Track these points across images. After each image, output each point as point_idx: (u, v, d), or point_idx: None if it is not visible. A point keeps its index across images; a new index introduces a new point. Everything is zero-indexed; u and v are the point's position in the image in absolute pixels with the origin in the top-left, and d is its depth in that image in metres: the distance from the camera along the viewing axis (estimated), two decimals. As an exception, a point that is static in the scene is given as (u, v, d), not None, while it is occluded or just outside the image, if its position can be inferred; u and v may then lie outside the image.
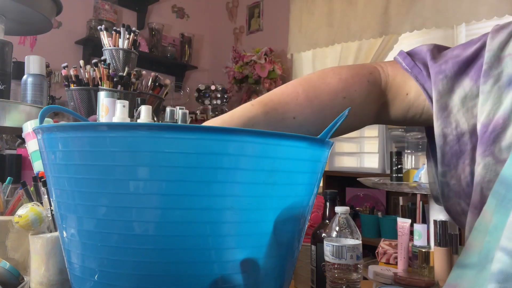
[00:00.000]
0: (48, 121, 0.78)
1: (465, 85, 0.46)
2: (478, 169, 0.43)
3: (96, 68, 1.14)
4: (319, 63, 2.84)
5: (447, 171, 0.48)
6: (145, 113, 0.88)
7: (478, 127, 0.44)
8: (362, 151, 2.37)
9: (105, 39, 1.19)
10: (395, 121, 0.56)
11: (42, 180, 0.63)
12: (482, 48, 0.46)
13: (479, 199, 0.43)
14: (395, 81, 0.54)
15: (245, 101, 2.85)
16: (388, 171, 1.95)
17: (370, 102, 0.53)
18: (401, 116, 0.54)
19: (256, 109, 0.49)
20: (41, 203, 0.61)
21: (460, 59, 0.47)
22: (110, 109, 0.90)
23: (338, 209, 0.63)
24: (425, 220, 0.97)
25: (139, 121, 0.89)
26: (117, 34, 1.19)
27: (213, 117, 2.83)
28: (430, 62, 0.50)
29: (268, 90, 2.88)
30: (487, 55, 0.44)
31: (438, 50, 0.51)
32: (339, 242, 0.60)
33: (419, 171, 0.95)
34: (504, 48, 0.43)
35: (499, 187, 0.36)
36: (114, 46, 1.19)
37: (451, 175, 0.48)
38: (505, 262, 0.31)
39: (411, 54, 0.53)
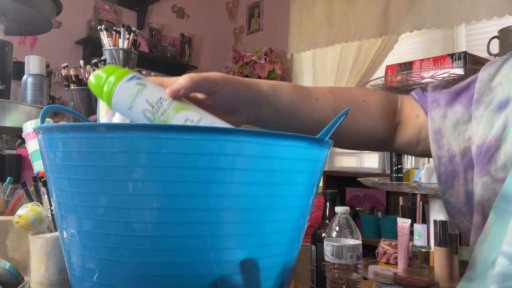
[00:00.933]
0: (48, 121, 0.78)
1: (458, 111, 0.50)
2: (477, 188, 0.45)
3: (96, 68, 1.14)
4: (319, 63, 2.84)
5: (445, 190, 0.52)
6: (145, 113, 0.88)
7: (474, 149, 0.46)
8: (362, 151, 2.37)
9: (105, 39, 1.19)
10: (411, 143, 0.59)
11: (42, 180, 0.63)
12: (473, 80, 0.51)
13: (481, 218, 0.45)
14: (408, 104, 0.60)
15: (245, 101, 2.85)
16: (388, 171, 1.95)
17: (386, 113, 0.57)
18: (415, 138, 0.58)
19: (285, 83, 0.54)
20: (41, 203, 0.61)
21: (452, 90, 0.53)
22: (110, 109, 0.90)
23: (338, 209, 0.63)
24: (425, 220, 0.97)
25: (139, 121, 0.89)
26: (117, 34, 1.19)
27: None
28: (428, 93, 0.56)
29: (268, 90, 2.87)
30: (478, 85, 0.48)
31: (442, 87, 0.57)
32: (339, 242, 0.60)
33: (419, 171, 0.95)
34: (493, 79, 0.47)
35: (500, 203, 0.38)
36: (114, 46, 1.19)
37: (449, 194, 0.51)
38: (503, 265, 0.32)
39: (422, 89, 0.59)
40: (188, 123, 0.41)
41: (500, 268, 0.33)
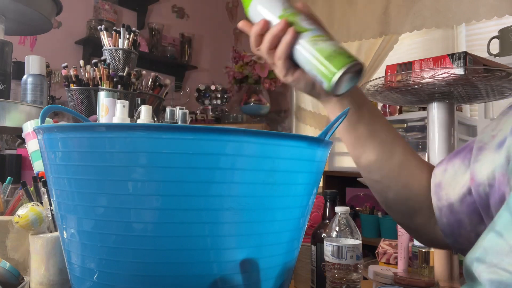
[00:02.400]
0: (48, 121, 0.78)
1: (456, 164, 0.53)
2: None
3: (96, 68, 1.14)
4: (319, 63, 2.84)
5: (454, 242, 0.53)
6: (145, 113, 0.88)
7: (487, 190, 0.47)
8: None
9: (105, 39, 1.19)
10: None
11: (42, 180, 0.63)
12: (474, 140, 0.53)
13: None
14: None
15: (245, 101, 2.84)
16: (388, 171, 1.95)
17: (413, 153, 0.60)
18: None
19: None
20: (41, 203, 0.61)
21: (455, 150, 0.55)
22: (110, 109, 0.90)
23: (338, 209, 0.63)
24: (425, 220, 0.96)
25: (139, 121, 0.89)
26: (117, 34, 1.19)
27: (213, 117, 2.84)
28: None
29: (268, 90, 2.88)
30: (480, 137, 0.51)
31: None
32: (339, 242, 0.60)
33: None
34: (495, 129, 0.49)
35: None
36: (114, 46, 1.19)
37: (460, 243, 0.53)
38: (503, 275, 0.32)
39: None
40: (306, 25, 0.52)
41: (497, 277, 0.33)
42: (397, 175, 0.57)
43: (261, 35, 0.55)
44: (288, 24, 0.51)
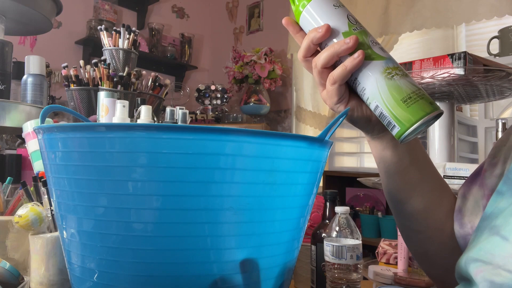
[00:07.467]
0: (48, 121, 0.78)
1: (474, 192, 0.51)
2: None
3: (96, 68, 1.14)
4: (319, 63, 2.83)
5: None
6: (145, 113, 0.88)
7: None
8: (362, 151, 2.37)
9: (105, 39, 1.19)
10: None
11: (42, 180, 0.63)
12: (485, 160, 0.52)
13: None
14: None
15: (245, 101, 2.84)
16: (388, 171, 1.95)
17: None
18: None
19: None
20: (41, 203, 0.61)
21: (471, 174, 0.54)
22: (110, 109, 0.90)
23: (338, 209, 0.63)
24: (425, 220, 0.96)
25: (139, 121, 0.89)
26: (117, 34, 1.19)
27: (213, 117, 2.84)
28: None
29: (268, 90, 2.88)
30: (491, 153, 0.50)
31: None
32: (339, 242, 0.60)
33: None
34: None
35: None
36: (114, 46, 1.19)
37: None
38: (506, 277, 0.32)
39: None
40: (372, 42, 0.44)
41: (498, 279, 0.33)
42: (443, 225, 0.53)
43: (316, 45, 0.45)
44: (358, 44, 0.42)
